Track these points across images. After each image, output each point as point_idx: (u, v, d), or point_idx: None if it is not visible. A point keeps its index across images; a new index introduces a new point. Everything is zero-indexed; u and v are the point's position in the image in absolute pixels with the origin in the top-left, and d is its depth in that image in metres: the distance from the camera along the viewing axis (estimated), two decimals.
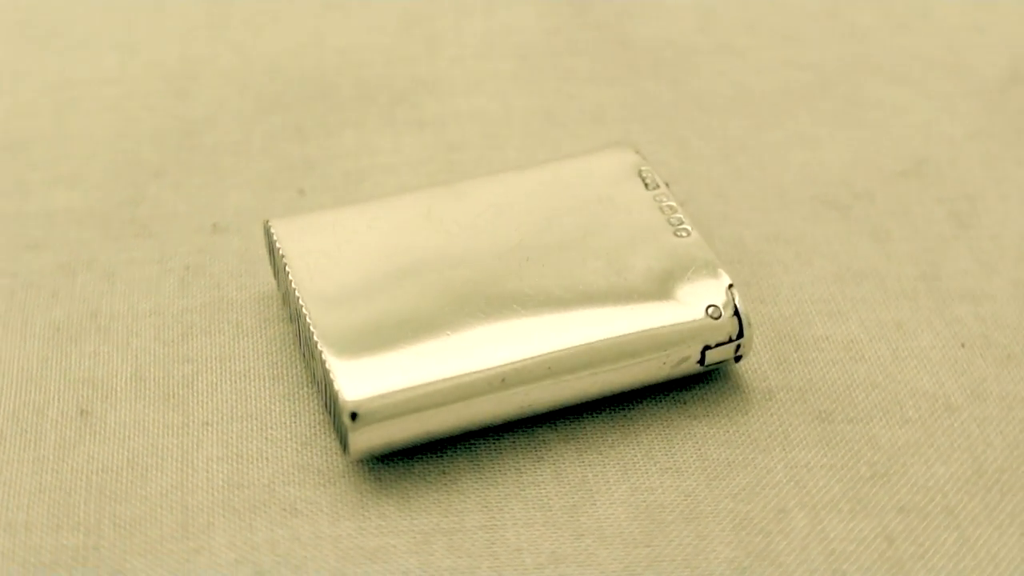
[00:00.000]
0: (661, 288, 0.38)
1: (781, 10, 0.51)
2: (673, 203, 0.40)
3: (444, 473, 0.37)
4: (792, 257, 0.42)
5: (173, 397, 0.39)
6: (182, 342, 0.40)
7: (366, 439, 0.36)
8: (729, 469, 0.37)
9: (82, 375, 0.39)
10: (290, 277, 0.39)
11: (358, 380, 0.36)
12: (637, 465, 0.37)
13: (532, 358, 0.37)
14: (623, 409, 0.39)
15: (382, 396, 0.36)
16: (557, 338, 0.37)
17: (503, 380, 0.37)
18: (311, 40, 0.50)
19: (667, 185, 0.41)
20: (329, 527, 0.36)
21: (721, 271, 0.39)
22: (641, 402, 0.39)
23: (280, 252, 0.39)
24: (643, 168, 0.41)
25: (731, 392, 0.39)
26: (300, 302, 0.38)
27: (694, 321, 0.38)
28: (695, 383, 0.39)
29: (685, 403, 0.39)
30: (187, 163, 0.46)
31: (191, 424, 0.38)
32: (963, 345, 0.40)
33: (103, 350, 0.40)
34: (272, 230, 0.40)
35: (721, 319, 0.38)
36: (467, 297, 0.38)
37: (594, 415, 0.38)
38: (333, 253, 0.39)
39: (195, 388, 0.39)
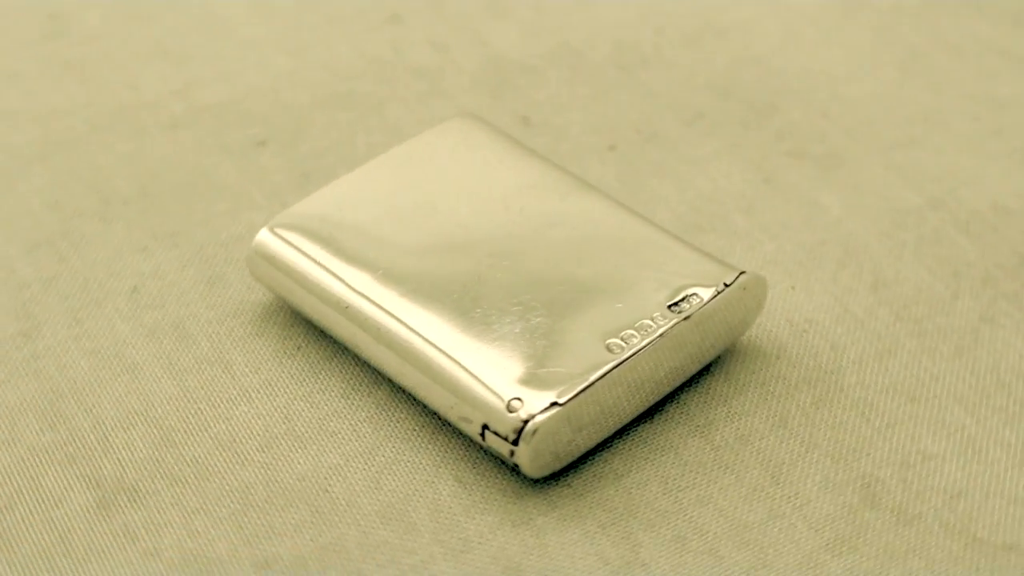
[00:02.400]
0: (516, 358, 0.37)
1: None
2: (662, 329, 0.38)
3: (308, 365, 0.40)
4: (763, 481, 0.37)
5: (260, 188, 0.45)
6: (323, 161, 0.46)
7: (254, 266, 0.41)
8: (387, 519, 0.37)
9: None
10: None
11: (285, 230, 0.41)
12: (367, 454, 0.38)
13: (375, 309, 0.38)
14: (434, 424, 0.39)
15: (277, 248, 0.40)
16: (411, 316, 0.38)
17: (346, 308, 0.39)
18: (817, 66, 0.49)
19: (686, 320, 0.38)
20: (189, 314, 0.42)
21: (571, 391, 0.36)
22: (454, 434, 0.38)
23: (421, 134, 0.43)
24: (694, 292, 0.38)
25: (491, 487, 0.37)
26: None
27: (487, 394, 0.37)
28: (495, 463, 0.38)
29: (468, 463, 0.38)
30: (572, 81, 0.49)
31: (238, 206, 0.45)
32: None
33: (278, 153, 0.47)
34: (452, 119, 0.44)
35: (511, 415, 0.36)
36: (431, 247, 0.40)
37: (417, 408, 0.39)
38: (434, 161, 0.42)
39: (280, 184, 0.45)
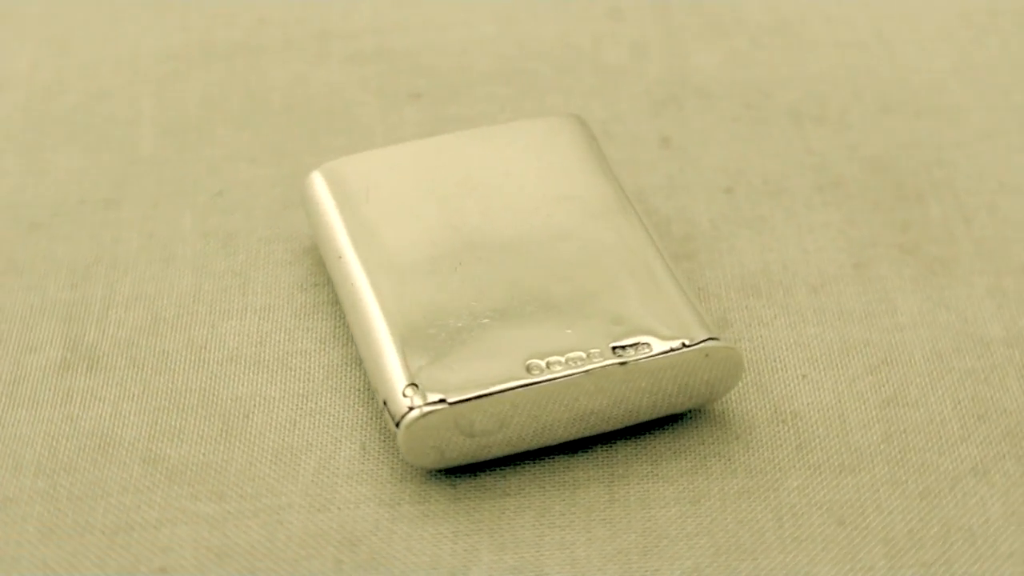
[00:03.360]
0: (440, 350, 0.37)
1: None
2: (589, 367, 0.37)
3: (313, 302, 0.42)
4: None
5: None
6: (456, 127, 0.47)
7: (303, 200, 0.43)
8: (278, 459, 0.38)
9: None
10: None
11: (331, 174, 0.42)
12: (302, 397, 0.40)
13: (356, 268, 0.40)
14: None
15: (317, 190, 0.42)
16: (380, 283, 0.39)
17: (339, 258, 0.40)
18: (997, 168, 0.45)
19: (621, 365, 0.37)
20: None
21: (463, 394, 0.36)
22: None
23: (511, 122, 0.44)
24: (648, 341, 0.37)
25: (384, 463, 0.38)
26: None
27: (395, 373, 0.37)
28: None
29: (381, 434, 0.39)
30: (738, 117, 0.47)
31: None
32: None
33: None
34: (551, 116, 0.44)
35: (402, 399, 0.37)
36: (441, 228, 0.40)
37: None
38: (502, 150, 0.42)
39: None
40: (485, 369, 0.37)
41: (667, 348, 0.37)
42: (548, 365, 0.37)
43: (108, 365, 0.40)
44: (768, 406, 0.39)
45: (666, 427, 0.39)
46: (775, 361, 0.40)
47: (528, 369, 0.37)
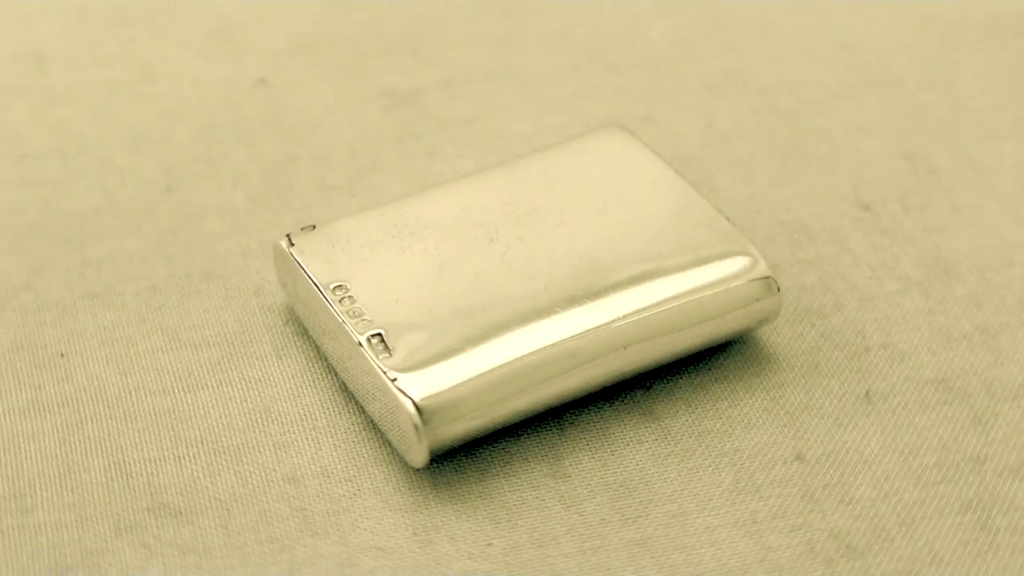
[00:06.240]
0: (365, 234, 0.41)
1: None
2: (339, 318, 0.39)
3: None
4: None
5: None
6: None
7: None
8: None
9: None
10: None
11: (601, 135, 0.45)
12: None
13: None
14: None
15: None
16: (439, 192, 0.42)
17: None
18: None
19: (353, 344, 0.38)
20: None
21: (295, 259, 0.40)
22: None
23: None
24: (384, 349, 0.38)
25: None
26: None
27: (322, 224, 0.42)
28: None
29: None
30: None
31: None
32: None
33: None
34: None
35: (285, 236, 0.41)
36: (507, 206, 0.42)
37: None
38: (657, 206, 0.42)
39: None
40: (332, 262, 0.40)
41: (382, 366, 0.38)
42: (351, 311, 0.39)
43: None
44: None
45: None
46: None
47: (337, 289, 0.39)
